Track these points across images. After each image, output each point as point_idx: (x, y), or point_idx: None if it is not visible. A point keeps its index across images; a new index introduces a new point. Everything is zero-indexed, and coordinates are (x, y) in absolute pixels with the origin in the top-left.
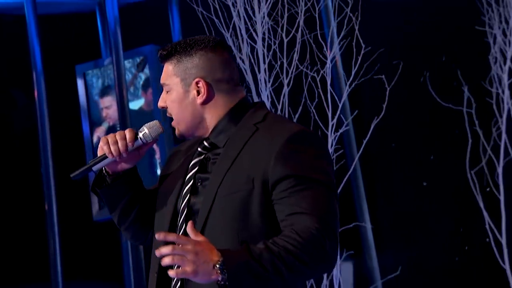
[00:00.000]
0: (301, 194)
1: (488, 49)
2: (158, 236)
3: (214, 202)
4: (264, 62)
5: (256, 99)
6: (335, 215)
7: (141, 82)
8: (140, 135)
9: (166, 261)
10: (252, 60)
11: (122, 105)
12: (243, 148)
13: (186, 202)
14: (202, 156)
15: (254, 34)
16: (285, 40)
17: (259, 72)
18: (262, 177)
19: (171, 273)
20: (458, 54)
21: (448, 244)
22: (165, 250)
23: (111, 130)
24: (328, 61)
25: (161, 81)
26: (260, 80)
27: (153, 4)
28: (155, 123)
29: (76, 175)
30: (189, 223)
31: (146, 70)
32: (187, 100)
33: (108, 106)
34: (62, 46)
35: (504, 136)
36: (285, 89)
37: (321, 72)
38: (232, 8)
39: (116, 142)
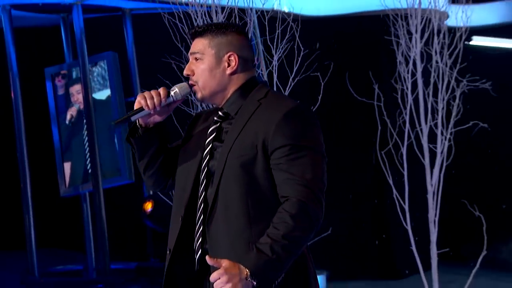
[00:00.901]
0: (294, 161)
1: (394, 54)
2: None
3: (226, 164)
4: None
5: None
6: (321, 178)
7: (106, 78)
8: (172, 93)
9: None
10: None
11: (86, 96)
12: (248, 120)
13: (205, 164)
14: (218, 124)
15: None
16: None
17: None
18: (263, 144)
19: None
20: (371, 58)
21: (365, 210)
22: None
23: (80, 110)
24: (275, 61)
25: (194, 51)
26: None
27: (108, 20)
28: (184, 84)
29: (117, 123)
30: (207, 257)
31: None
32: (218, 69)
33: (78, 91)
34: (32, 53)
35: (407, 124)
36: None
37: (269, 68)
38: (193, 17)
39: (152, 97)
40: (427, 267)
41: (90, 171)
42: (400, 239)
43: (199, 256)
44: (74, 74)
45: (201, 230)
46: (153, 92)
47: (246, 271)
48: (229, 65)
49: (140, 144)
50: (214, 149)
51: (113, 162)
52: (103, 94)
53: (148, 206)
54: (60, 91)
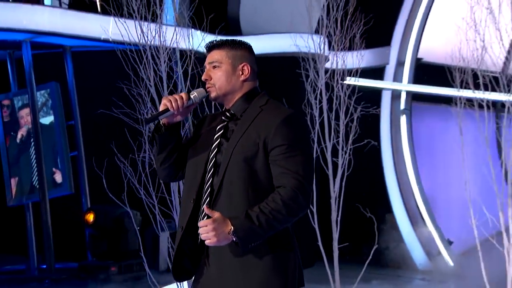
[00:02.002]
0: (289, 159)
1: (304, 85)
2: (200, 223)
3: (231, 158)
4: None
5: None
6: (310, 175)
7: (50, 105)
8: (192, 96)
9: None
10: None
11: (34, 119)
12: (251, 123)
13: (213, 156)
14: (225, 123)
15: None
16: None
17: (163, 91)
18: (264, 143)
19: (206, 242)
20: (286, 88)
21: None
22: (200, 230)
23: (29, 131)
24: None
25: (212, 61)
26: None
27: (50, 57)
28: (201, 89)
29: (148, 121)
30: (205, 207)
31: None
32: (233, 76)
33: (27, 113)
34: None
35: (315, 142)
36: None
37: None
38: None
39: (176, 100)
40: (331, 259)
41: (36, 183)
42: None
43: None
44: (19, 103)
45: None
46: (177, 96)
47: (230, 228)
48: (242, 73)
49: (162, 140)
50: (221, 144)
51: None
52: (47, 120)
53: (90, 217)
54: (6, 119)
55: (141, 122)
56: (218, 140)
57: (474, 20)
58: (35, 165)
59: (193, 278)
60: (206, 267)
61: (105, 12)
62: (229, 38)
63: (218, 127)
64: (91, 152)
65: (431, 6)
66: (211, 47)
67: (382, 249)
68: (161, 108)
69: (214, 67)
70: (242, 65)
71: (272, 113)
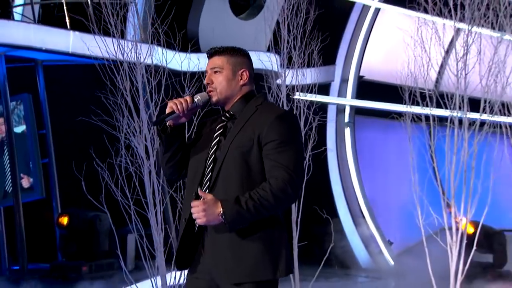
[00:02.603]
0: (281, 153)
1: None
2: (192, 203)
3: (227, 153)
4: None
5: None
6: (300, 169)
7: (22, 115)
8: (195, 100)
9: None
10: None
11: (9, 128)
12: (247, 121)
13: (212, 153)
14: (224, 123)
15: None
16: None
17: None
18: (258, 139)
19: (197, 221)
20: None
21: None
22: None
23: (2, 139)
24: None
25: (213, 66)
26: (140, 104)
27: (23, 72)
28: (203, 93)
29: (155, 123)
30: (199, 190)
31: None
32: (233, 81)
33: (2, 123)
34: None
35: None
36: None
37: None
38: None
39: (182, 103)
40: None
41: (9, 188)
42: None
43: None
44: None
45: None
46: (182, 99)
47: (220, 210)
48: (241, 78)
49: (168, 140)
50: (220, 141)
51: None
52: (19, 129)
53: (64, 220)
54: None
55: (117, 129)
56: (218, 138)
57: (421, 38)
58: (9, 171)
59: (189, 269)
60: (202, 257)
61: (74, 27)
62: (229, 46)
63: (218, 127)
64: (64, 159)
65: (371, 30)
66: (212, 53)
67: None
68: (167, 110)
69: (216, 72)
70: (242, 70)
71: (267, 111)
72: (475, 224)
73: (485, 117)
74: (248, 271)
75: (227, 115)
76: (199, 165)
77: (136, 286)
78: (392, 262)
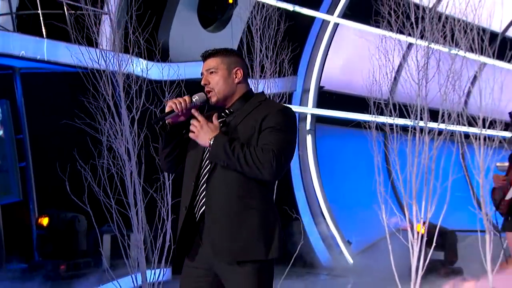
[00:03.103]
0: (273, 136)
1: None
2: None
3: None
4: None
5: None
6: (288, 154)
7: (0, 120)
8: (194, 99)
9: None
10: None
11: None
12: (251, 112)
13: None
14: (223, 119)
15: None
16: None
17: (121, 107)
18: (260, 125)
19: (190, 134)
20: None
21: None
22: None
23: None
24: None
25: (209, 68)
26: (121, 107)
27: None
28: (201, 93)
29: (155, 122)
30: (215, 115)
31: None
32: (229, 80)
33: None
34: None
35: None
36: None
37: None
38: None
39: (181, 103)
40: None
41: None
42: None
43: (203, 209)
44: None
45: (204, 187)
46: (180, 99)
47: (212, 136)
48: (236, 77)
49: (167, 137)
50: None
51: (5, 184)
52: None
53: (44, 221)
54: None
55: (100, 132)
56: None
57: (386, 49)
58: None
59: (187, 258)
60: (201, 247)
61: (50, 36)
62: (222, 48)
63: (219, 120)
64: (42, 163)
65: (331, 42)
66: (206, 56)
67: (291, 249)
68: (167, 109)
69: (211, 72)
70: (236, 69)
71: (270, 105)
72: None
73: (442, 126)
74: (243, 250)
75: (227, 111)
76: (196, 157)
77: (118, 282)
78: (351, 261)
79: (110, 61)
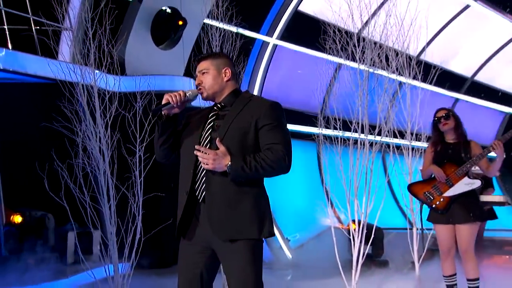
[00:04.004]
0: (275, 133)
1: None
2: (197, 148)
3: (227, 132)
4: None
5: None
6: (290, 147)
7: None
8: (187, 94)
9: (202, 162)
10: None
11: None
12: (243, 107)
13: (208, 135)
14: (216, 112)
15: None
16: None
17: (95, 110)
18: (256, 122)
19: (204, 166)
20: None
21: None
22: (200, 154)
23: None
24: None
25: (201, 69)
26: (95, 108)
27: None
28: (194, 89)
29: (154, 111)
30: (217, 139)
31: None
32: (219, 78)
33: None
34: None
35: None
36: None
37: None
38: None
39: (176, 96)
40: None
41: None
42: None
43: (204, 192)
44: None
45: (204, 174)
46: (176, 93)
47: (228, 162)
48: (225, 75)
49: (163, 127)
50: (214, 125)
51: None
52: None
53: (17, 218)
54: None
55: (76, 134)
56: (212, 123)
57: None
58: None
59: (185, 237)
60: (198, 227)
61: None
62: (213, 52)
63: (211, 114)
64: (8, 165)
65: (270, 62)
66: (199, 59)
67: None
68: (163, 102)
69: (203, 73)
70: (225, 69)
71: (260, 101)
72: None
73: (378, 138)
74: (239, 230)
75: (219, 105)
76: (192, 147)
77: (92, 272)
78: (290, 256)
79: (82, 74)
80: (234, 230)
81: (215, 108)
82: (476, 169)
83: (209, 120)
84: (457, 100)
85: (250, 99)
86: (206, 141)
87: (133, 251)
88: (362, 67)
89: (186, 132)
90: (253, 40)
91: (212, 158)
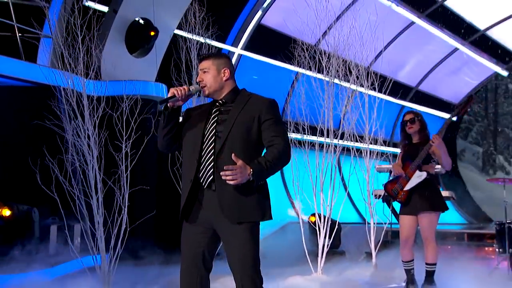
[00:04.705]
0: (276, 127)
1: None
2: (226, 168)
3: (233, 125)
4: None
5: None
6: (288, 136)
7: None
8: (190, 89)
9: (227, 178)
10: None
11: None
12: (245, 104)
13: (213, 129)
14: (218, 107)
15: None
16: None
17: (84, 109)
18: (258, 117)
19: (230, 182)
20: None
21: None
22: (227, 173)
23: None
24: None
25: (203, 68)
26: (84, 109)
27: None
28: (197, 85)
29: (161, 102)
30: (233, 154)
31: None
32: (218, 77)
33: None
34: None
35: None
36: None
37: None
38: None
39: (181, 90)
40: None
41: None
42: None
43: (210, 179)
44: None
45: (212, 165)
46: (180, 88)
47: (250, 171)
48: (224, 75)
49: (167, 118)
50: (218, 120)
51: None
52: None
53: (5, 211)
54: None
55: (67, 132)
56: (216, 117)
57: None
58: None
59: (187, 220)
60: (202, 210)
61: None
62: (213, 52)
63: (214, 110)
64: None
65: (235, 70)
66: (202, 59)
67: None
68: (169, 95)
69: (204, 72)
70: (224, 69)
71: (260, 98)
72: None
73: (341, 142)
74: (246, 213)
75: (220, 102)
76: (196, 139)
77: (81, 261)
78: None
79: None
80: (242, 214)
81: (217, 104)
82: (438, 167)
83: (212, 115)
84: (403, 107)
85: (250, 97)
86: (211, 135)
87: (119, 241)
88: (325, 77)
89: (188, 125)
90: (220, 49)
91: (240, 173)
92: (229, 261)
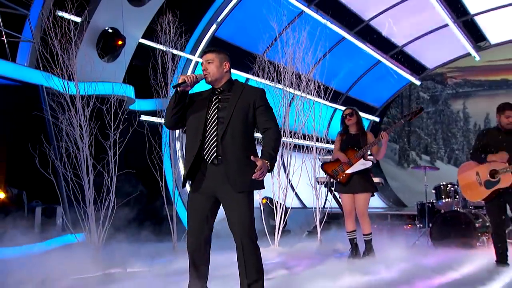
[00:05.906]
0: (267, 113)
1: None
2: (257, 170)
3: (234, 110)
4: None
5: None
6: (276, 119)
7: None
8: (197, 77)
9: (261, 176)
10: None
11: None
12: (241, 93)
13: (215, 114)
14: (217, 95)
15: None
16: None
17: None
18: (254, 103)
19: (259, 178)
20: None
21: None
22: (257, 174)
23: None
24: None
25: (207, 59)
26: (78, 107)
27: None
28: (201, 74)
29: (174, 86)
30: (252, 157)
31: None
32: (220, 68)
33: None
34: None
35: None
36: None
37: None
38: None
39: (190, 77)
40: None
41: None
42: None
43: (213, 156)
44: None
45: (215, 145)
46: (189, 75)
47: (267, 162)
48: (225, 67)
49: (179, 99)
50: (219, 105)
51: None
52: None
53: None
54: None
55: (61, 122)
56: (216, 104)
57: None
58: None
59: (192, 189)
60: (205, 180)
61: None
62: (216, 47)
63: (215, 97)
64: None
65: (194, 69)
66: (207, 51)
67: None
68: (180, 81)
69: (209, 62)
70: (225, 62)
71: (253, 88)
72: (269, 199)
73: (297, 141)
74: (248, 183)
75: (219, 90)
76: (199, 122)
77: (75, 236)
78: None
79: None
80: (245, 184)
81: (216, 92)
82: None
83: (213, 102)
84: (336, 109)
85: (244, 87)
86: (214, 119)
87: (107, 218)
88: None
89: (192, 109)
90: (179, 56)
91: (264, 169)
92: (230, 223)
